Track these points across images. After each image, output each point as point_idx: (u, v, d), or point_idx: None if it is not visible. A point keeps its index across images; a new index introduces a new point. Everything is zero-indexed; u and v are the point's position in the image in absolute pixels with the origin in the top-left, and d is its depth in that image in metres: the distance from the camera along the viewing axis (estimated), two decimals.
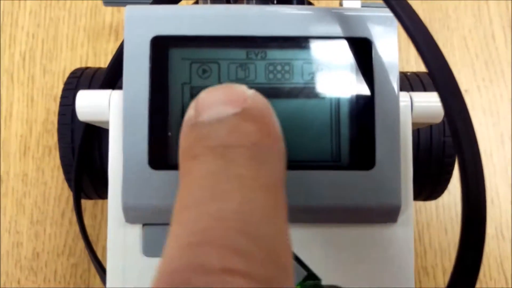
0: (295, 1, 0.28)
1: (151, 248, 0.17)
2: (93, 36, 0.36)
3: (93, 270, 0.33)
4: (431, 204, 0.33)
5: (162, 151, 0.16)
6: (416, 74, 0.27)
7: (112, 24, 0.36)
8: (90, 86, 0.26)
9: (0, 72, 0.35)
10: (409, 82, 0.27)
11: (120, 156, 0.17)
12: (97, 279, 0.33)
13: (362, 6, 0.30)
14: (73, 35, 0.36)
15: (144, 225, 0.17)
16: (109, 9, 0.36)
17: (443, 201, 0.33)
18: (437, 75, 0.13)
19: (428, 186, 0.27)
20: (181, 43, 0.17)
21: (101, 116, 0.17)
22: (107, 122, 0.18)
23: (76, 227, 0.33)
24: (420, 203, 0.34)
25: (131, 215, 0.17)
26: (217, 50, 0.17)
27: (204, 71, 0.17)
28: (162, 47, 0.16)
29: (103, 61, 0.35)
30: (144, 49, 0.16)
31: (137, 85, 0.16)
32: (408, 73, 0.27)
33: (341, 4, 0.30)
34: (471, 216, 0.13)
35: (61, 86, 0.35)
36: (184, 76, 0.17)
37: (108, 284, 0.17)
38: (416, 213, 0.33)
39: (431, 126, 0.25)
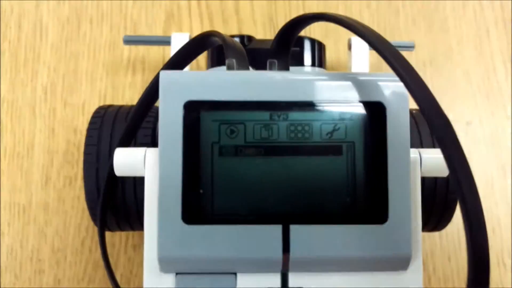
0: (306, 44, 0.30)
1: None
2: (112, 70, 0.37)
3: None
4: (434, 233, 0.35)
5: (194, 207, 0.18)
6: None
7: (130, 59, 0.37)
8: (113, 124, 0.28)
9: (23, 105, 0.36)
10: (414, 119, 0.28)
11: (155, 210, 0.18)
12: None
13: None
14: (92, 70, 0.37)
15: (177, 274, 0.19)
16: None
17: (446, 230, 0.35)
18: (440, 133, 0.15)
19: (433, 220, 0.28)
20: (212, 107, 0.18)
21: (137, 171, 0.19)
22: (141, 177, 0.19)
23: (95, 255, 0.34)
24: (424, 233, 0.35)
25: (165, 265, 0.18)
26: (244, 113, 0.18)
27: (232, 131, 0.18)
28: (194, 111, 0.18)
29: (121, 94, 0.37)
30: (178, 112, 0.18)
31: (172, 144, 0.18)
32: (414, 111, 0.29)
33: (349, 44, 0.32)
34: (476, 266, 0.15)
35: (81, 119, 0.36)
36: (214, 136, 0.18)
37: None
38: None
39: None
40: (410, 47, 0.33)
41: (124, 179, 0.26)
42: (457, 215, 0.34)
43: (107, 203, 0.26)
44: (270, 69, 0.20)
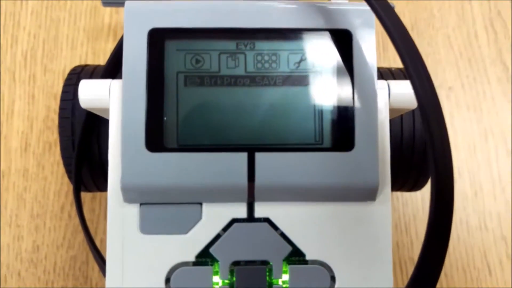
0: None
1: (147, 226, 0.18)
2: (92, 36, 0.37)
3: (91, 262, 0.34)
4: (416, 196, 0.35)
5: (158, 134, 0.18)
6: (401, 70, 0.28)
7: (111, 25, 0.37)
8: None
9: (2, 71, 0.36)
10: (393, 76, 0.28)
11: (119, 141, 0.18)
12: (95, 270, 0.34)
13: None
14: (73, 35, 0.37)
15: (141, 204, 0.19)
16: (108, 10, 0.37)
17: (429, 193, 0.35)
18: (407, 59, 0.15)
19: (412, 177, 0.28)
20: (176, 35, 0.18)
21: (102, 103, 0.19)
22: (107, 110, 0.19)
23: (74, 221, 0.34)
24: (407, 196, 0.35)
25: (129, 194, 0.18)
26: (209, 42, 0.18)
27: (197, 60, 0.18)
28: (158, 39, 0.18)
29: (102, 60, 0.37)
30: (142, 41, 0.18)
31: (136, 73, 0.18)
32: (393, 69, 0.29)
33: None
34: (440, 193, 0.14)
35: (61, 84, 0.36)
36: (179, 65, 0.18)
37: (107, 259, 0.18)
38: (403, 205, 0.35)
39: (413, 117, 0.27)
40: None
41: (99, 134, 0.26)
42: None
43: (82, 158, 0.26)
44: None
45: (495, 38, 0.37)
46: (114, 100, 0.18)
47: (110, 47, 0.37)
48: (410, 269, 0.34)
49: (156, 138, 0.18)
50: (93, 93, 0.19)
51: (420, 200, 0.35)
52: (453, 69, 0.37)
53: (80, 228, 0.34)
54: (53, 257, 0.33)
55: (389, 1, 0.37)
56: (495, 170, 0.35)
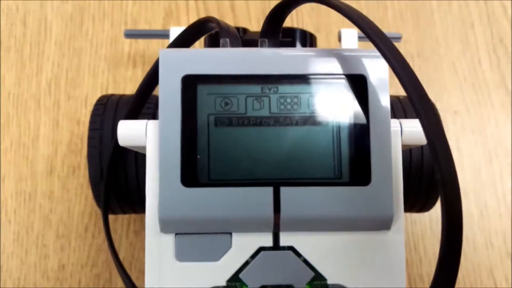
0: (298, 35, 0.32)
1: (183, 254, 0.20)
2: (113, 64, 0.39)
3: (114, 280, 0.35)
4: (425, 216, 0.36)
5: (192, 171, 0.19)
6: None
7: (130, 54, 0.39)
8: (116, 111, 0.29)
9: (28, 98, 0.38)
10: (402, 104, 0.30)
11: (156, 176, 0.20)
12: None
13: (359, 36, 0.33)
14: (94, 64, 0.39)
15: (176, 234, 0.20)
16: (127, 40, 0.39)
17: (436, 213, 0.36)
18: (417, 103, 0.16)
19: (421, 200, 0.30)
20: (207, 81, 0.20)
21: (139, 142, 0.20)
22: (143, 147, 0.21)
23: (98, 240, 0.36)
24: (415, 216, 0.36)
25: (166, 225, 0.20)
26: (237, 86, 0.20)
27: (226, 103, 0.20)
28: (191, 84, 0.20)
29: (122, 87, 0.39)
30: (176, 86, 0.20)
31: (171, 115, 0.20)
32: (401, 97, 0.31)
33: (339, 35, 0.34)
34: (450, 224, 0.16)
35: (83, 111, 0.38)
36: (210, 108, 0.20)
37: (146, 285, 0.20)
38: (412, 225, 0.36)
39: (422, 146, 0.28)
40: (397, 38, 0.35)
41: (126, 162, 0.28)
42: None
43: (110, 184, 0.27)
44: (261, 47, 0.22)
45: (497, 64, 0.39)
46: (150, 139, 0.20)
47: (130, 74, 0.39)
48: (419, 286, 0.36)
49: (191, 175, 0.19)
50: (131, 133, 0.20)
51: (427, 219, 0.36)
52: (458, 93, 0.39)
53: (103, 247, 0.36)
54: (78, 275, 0.35)
55: (396, 32, 0.39)
56: (500, 190, 0.37)
